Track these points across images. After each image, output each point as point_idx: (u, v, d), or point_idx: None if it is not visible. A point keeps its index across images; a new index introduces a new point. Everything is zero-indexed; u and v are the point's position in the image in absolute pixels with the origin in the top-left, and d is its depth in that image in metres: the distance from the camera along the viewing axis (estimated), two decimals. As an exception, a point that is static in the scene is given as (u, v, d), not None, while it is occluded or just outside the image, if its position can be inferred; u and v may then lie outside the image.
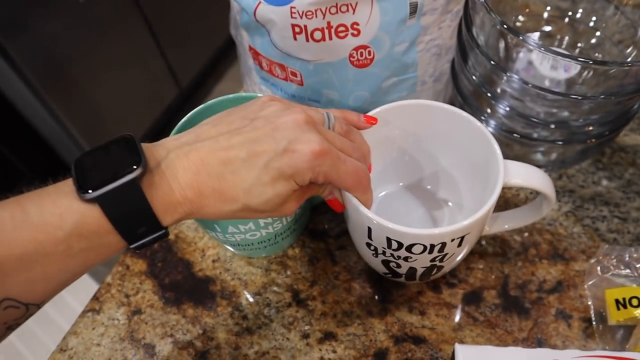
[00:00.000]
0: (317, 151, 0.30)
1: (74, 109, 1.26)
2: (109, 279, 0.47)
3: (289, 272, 0.46)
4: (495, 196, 0.35)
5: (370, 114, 0.40)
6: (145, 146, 0.30)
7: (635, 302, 0.38)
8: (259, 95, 0.42)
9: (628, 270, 0.41)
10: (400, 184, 0.48)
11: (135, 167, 0.28)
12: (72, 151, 1.36)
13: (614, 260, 0.42)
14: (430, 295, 0.43)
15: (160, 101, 1.55)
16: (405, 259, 0.37)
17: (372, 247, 0.38)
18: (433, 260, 0.37)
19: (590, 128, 0.42)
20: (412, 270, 0.39)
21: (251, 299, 0.45)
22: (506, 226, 0.42)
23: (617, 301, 0.39)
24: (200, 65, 1.64)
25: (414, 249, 0.35)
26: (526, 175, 0.36)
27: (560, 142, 0.43)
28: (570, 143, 0.43)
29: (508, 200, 0.49)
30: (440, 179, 0.46)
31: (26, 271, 0.27)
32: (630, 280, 0.40)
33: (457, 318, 0.42)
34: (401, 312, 0.43)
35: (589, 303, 0.41)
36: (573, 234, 0.46)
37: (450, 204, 0.46)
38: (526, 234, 0.46)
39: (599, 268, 0.42)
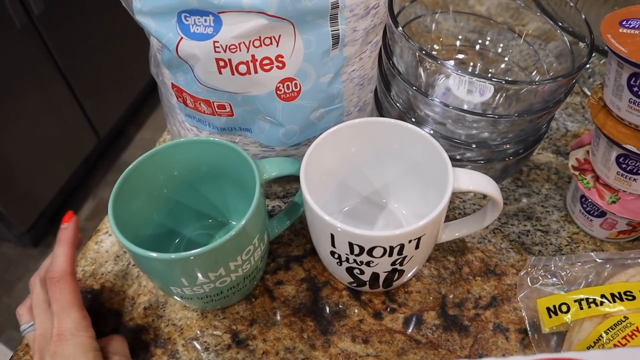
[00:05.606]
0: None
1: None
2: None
3: (226, 313, 0.44)
4: (446, 199, 0.37)
5: (326, 133, 0.41)
6: None
7: (564, 308, 0.40)
8: (208, 138, 0.42)
9: (555, 279, 0.43)
10: (360, 199, 0.49)
11: None
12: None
13: (541, 271, 0.43)
14: (371, 322, 0.43)
15: (78, 152, 1.48)
16: (368, 263, 0.38)
17: (336, 255, 0.39)
18: (394, 263, 0.38)
19: (507, 146, 0.44)
20: (375, 276, 0.40)
21: (188, 345, 0.43)
22: (457, 234, 0.44)
23: (548, 309, 0.41)
24: (120, 113, 1.59)
25: (374, 252, 0.37)
26: (473, 180, 0.39)
27: (482, 161, 0.45)
28: (491, 162, 0.45)
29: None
30: (397, 191, 0.48)
31: None
32: (557, 288, 0.42)
33: (400, 342, 0.42)
34: (344, 342, 0.42)
35: (523, 314, 0.43)
36: (502, 250, 0.47)
37: (406, 214, 0.48)
38: (458, 253, 0.47)
39: (528, 279, 0.43)
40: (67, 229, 0.41)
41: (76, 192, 1.54)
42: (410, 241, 0.37)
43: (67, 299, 0.37)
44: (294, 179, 0.41)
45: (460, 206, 0.51)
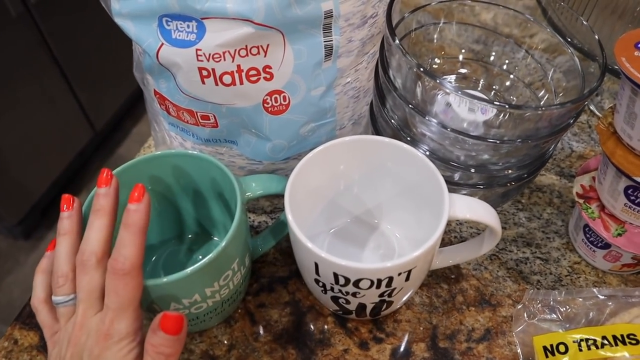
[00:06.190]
0: None
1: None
2: (-8, 356, 0.41)
3: (203, 336, 0.42)
4: (440, 229, 0.34)
5: (314, 152, 0.38)
6: None
7: (562, 348, 0.37)
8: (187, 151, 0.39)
9: (554, 315, 0.40)
10: (350, 218, 0.46)
11: None
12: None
13: (539, 305, 0.41)
14: (357, 353, 0.41)
15: (73, 145, 1.45)
16: (354, 294, 0.36)
17: (321, 284, 0.37)
18: (382, 295, 0.36)
19: (509, 171, 0.41)
20: (361, 306, 0.38)
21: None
22: (451, 261, 0.42)
23: (544, 348, 0.38)
24: (116, 107, 1.56)
25: (361, 284, 0.34)
26: (471, 208, 0.36)
27: (482, 186, 0.42)
28: (491, 186, 0.42)
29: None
30: (390, 212, 0.45)
31: None
32: (556, 325, 0.40)
33: (386, 376, 0.40)
34: (327, 373, 0.40)
35: (518, 351, 0.40)
36: (498, 278, 0.45)
37: (399, 236, 0.45)
38: (452, 280, 0.45)
39: (525, 314, 0.41)
40: (138, 211, 0.32)
41: (69, 186, 1.51)
42: (400, 274, 0.34)
43: (129, 297, 0.31)
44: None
45: (456, 229, 0.48)
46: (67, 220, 0.34)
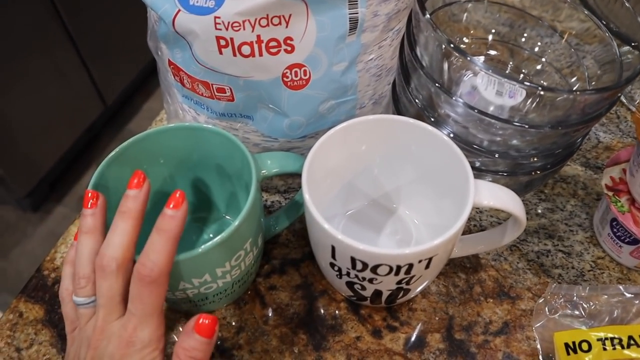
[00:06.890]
0: None
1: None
2: (-5, 328, 0.40)
3: (211, 317, 0.40)
4: (464, 217, 0.32)
5: (334, 130, 0.37)
6: None
7: (585, 346, 0.36)
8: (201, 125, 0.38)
9: (576, 311, 0.38)
10: (367, 201, 0.44)
11: None
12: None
13: (562, 300, 0.39)
14: (369, 341, 0.39)
15: (83, 119, 1.44)
16: (371, 280, 0.34)
17: (336, 268, 0.35)
18: (399, 282, 0.34)
19: (535, 159, 0.39)
20: (377, 293, 0.36)
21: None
22: (471, 250, 0.40)
23: (566, 345, 0.36)
24: (128, 81, 1.55)
25: (379, 270, 0.33)
26: (496, 196, 0.34)
27: (505, 173, 0.40)
28: (515, 174, 0.40)
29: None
30: (409, 196, 0.43)
31: None
32: (579, 322, 0.38)
33: (398, 366, 0.38)
34: (338, 360, 0.38)
35: (537, 346, 0.39)
36: (518, 270, 0.43)
37: (417, 222, 0.43)
38: (470, 269, 0.43)
39: (546, 308, 0.39)
40: (175, 218, 0.30)
41: (78, 160, 1.51)
42: (420, 261, 0.32)
43: (154, 304, 0.29)
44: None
45: (476, 217, 0.46)
46: (90, 217, 0.32)
